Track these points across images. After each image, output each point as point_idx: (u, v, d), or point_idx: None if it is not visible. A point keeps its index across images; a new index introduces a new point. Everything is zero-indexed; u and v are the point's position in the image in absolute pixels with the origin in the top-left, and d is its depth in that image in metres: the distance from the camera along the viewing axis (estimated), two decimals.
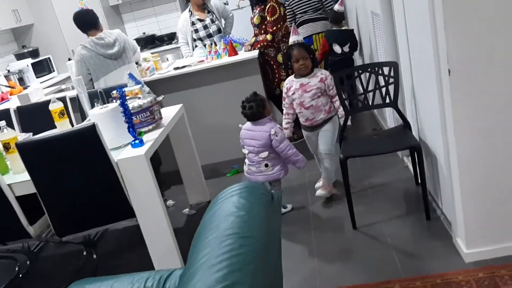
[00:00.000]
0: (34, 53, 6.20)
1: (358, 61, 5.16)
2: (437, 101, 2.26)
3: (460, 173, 2.25)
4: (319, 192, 3.21)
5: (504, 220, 2.29)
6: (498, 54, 2.05)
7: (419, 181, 2.98)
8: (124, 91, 2.60)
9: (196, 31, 4.58)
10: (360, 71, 3.07)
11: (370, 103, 3.01)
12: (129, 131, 2.55)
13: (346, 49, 4.42)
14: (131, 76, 3.26)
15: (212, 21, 4.59)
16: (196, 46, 4.65)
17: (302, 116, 3.19)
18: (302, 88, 3.10)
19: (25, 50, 6.19)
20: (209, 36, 4.59)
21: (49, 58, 6.12)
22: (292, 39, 3.19)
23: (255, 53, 4.11)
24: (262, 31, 4.12)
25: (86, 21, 3.76)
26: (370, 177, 3.42)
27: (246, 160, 3.07)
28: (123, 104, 2.51)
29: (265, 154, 2.93)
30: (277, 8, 3.98)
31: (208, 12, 4.61)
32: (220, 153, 4.33)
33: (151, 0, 6.60)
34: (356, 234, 2.80)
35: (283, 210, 3.22)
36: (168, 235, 2.60)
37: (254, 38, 4.20)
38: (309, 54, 3.08)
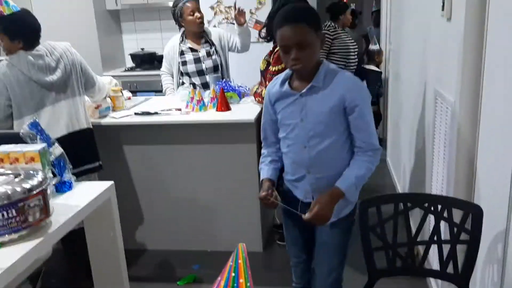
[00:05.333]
0: None
1: (397, 187, 3.87)
2: None
3: None
4: None
5: None
6: None
7: None
8: None
9: (184, 63, 3.33)
10: (403, 203, 1.72)
11: (411, 263, 1.67)
12: None
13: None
14: (33, 125, 2.00)
15: (209, 55, 3.33)
16: (182, 83, 3.41)
17: None
18: None
19: None
20: (201, 73, 3.33)
21: None
22: None
23: (253, 113, 2.83)
24: (266, 82, 2.86)
25: (27, 26, 2.40)
26: None
27: None
28: None
29: None
30: None
31: (206, 42, 3.36)
32: (178, 240, 3.02)
33: (158, 13, 5.42)
34: None
35: None
36: None
37: (256, 86, 2.95)
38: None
